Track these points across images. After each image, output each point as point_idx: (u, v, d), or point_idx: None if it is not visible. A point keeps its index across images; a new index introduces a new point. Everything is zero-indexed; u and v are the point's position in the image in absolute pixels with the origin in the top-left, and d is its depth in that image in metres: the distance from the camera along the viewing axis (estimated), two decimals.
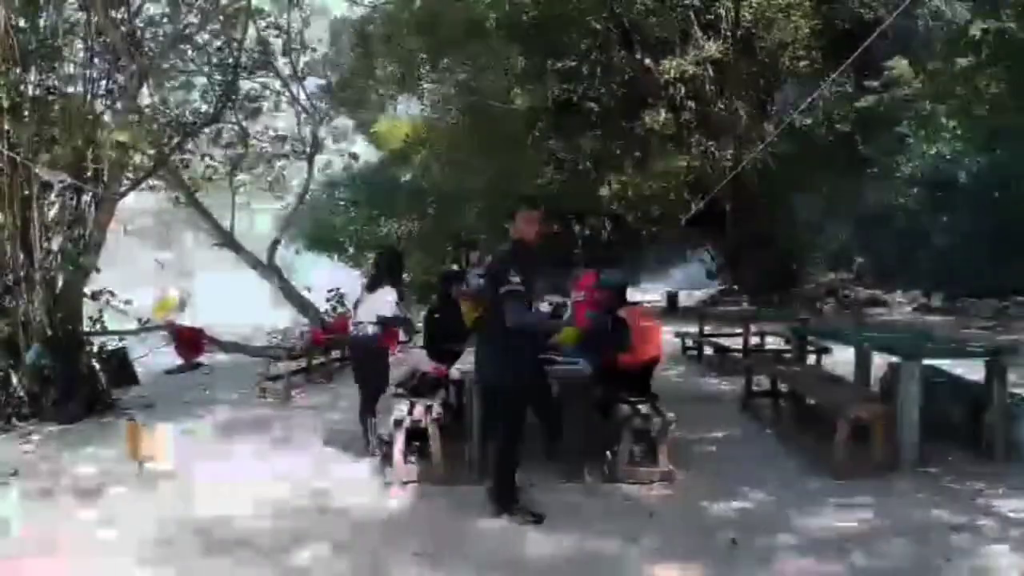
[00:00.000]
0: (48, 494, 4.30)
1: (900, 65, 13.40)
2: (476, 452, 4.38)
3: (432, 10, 12.39)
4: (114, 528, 3.76)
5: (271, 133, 11.28)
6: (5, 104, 6.04)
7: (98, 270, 6.95)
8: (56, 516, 3.96)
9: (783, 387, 6.02)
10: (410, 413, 4.49)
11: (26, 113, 6.18)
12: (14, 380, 6.13)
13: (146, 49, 7.44)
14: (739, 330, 8.90)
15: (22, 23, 6.40)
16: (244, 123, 10.30)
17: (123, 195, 7.54)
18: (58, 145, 6.30)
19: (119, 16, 6.93)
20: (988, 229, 14.51)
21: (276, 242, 12.00)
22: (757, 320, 9.48)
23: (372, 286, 5.11)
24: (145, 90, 8.01)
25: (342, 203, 21.15)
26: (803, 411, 5.65)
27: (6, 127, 6.06)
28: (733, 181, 13.24)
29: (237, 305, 12.43)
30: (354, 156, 13.21)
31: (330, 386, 8.01)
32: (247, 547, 3.49)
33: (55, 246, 6.63)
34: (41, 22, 6.54)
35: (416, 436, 4.47)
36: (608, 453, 4.44)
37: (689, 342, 9.65)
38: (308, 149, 11.88)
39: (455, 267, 6.79)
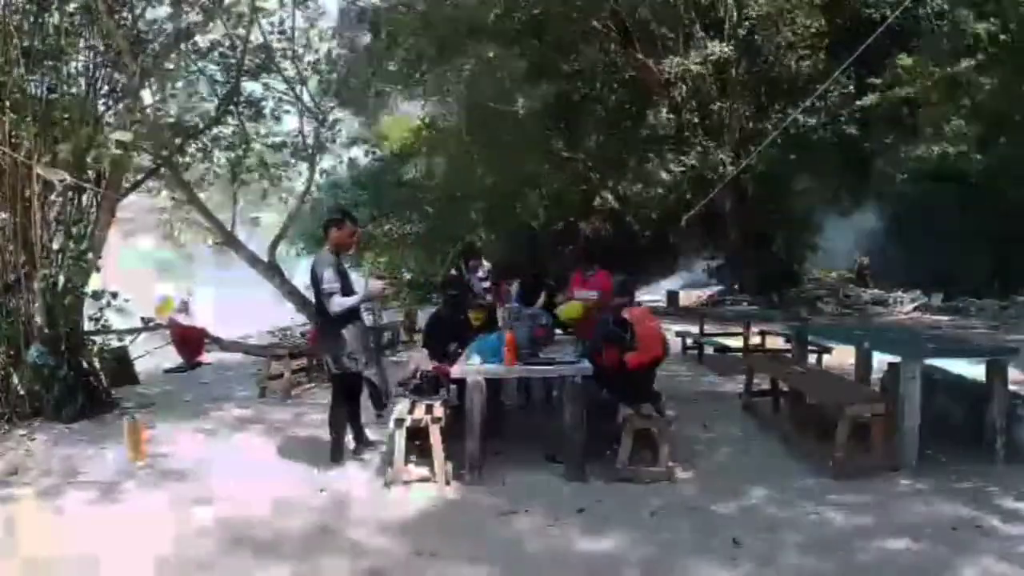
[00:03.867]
0: (49, 494, 4.30)
1: (904, 62, 13.39)
2: (476, 451, 4.37)
3: (434, 10, 12.39)
4: (116, 527, 3.77)
5: (273, 138, 11.26)
6: (7, 104, 6.06)
7: (98, 269, 6.96)
8: (57, 515, 3.97)
9: (783, 387, 6.02)
10: (410, 412, 4.49)
11: (28, 113, 6.18)
12: (15, 379, 6.13)
13: (148, 49, 7.43)
14: (739, 329, 8.91)
15: (25, 24, 6.40)
16: (246, 125, 10.28)
17: (124, 195, 7.54)
18: (60, 145, 6.30)
19: (122, 17, 6.93)
20: (989, 229, 14.52)
21: (276, 241, 12.00)
22: (757, 320, 9.50)
23: None
24: (147, 91, 8.02)
25: (344, 203, 21.16)
26: (803, 411, 5.65)
27: (8, 127, 6.07)
28: (734, 181, 13.26)
29: (237, 305, 12.44)
30: (367, 152, 13.11)
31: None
32: (247, 547, 3.50)
33: (56, 245, 6.64)
34: (44, 22, 6.53)
35: (416, 435, 4.47)
36: (609, 452, 4.44)
37: (690, 341, 9.65)
38: (310, 150, 11.87)
39: (454, 271, 6.95)
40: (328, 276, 4.46)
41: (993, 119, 13.36)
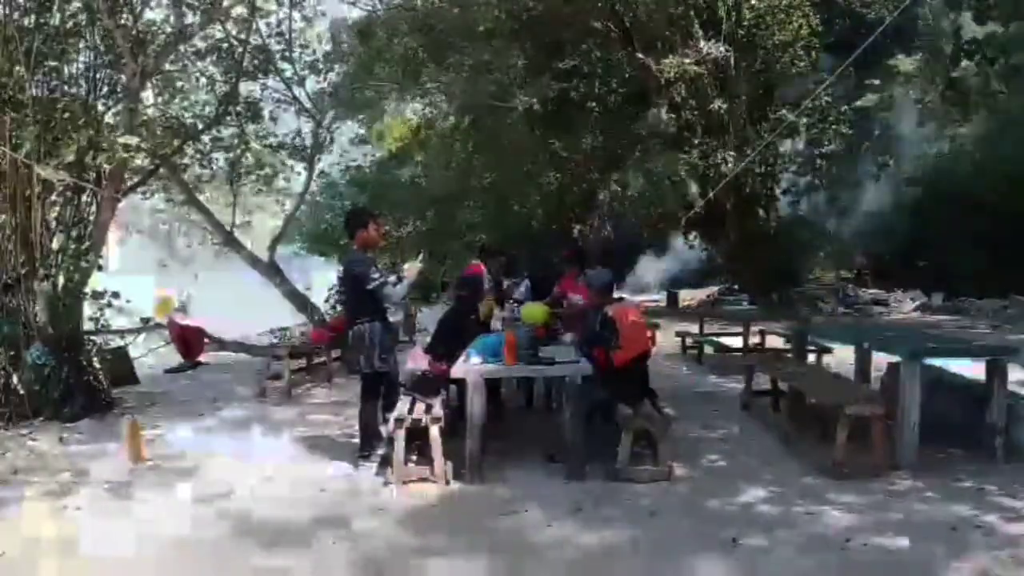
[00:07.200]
0: (49, 494, 4.30)
1: (902, 63, 13.42)
2: (476, 451, 4.37)
3: (432, 11, 12.39)
4: (119, 526, 3.77)
5: (272, 139, 11.27)
6: (8, 104, 6.07)
7: (100, 268, 6.97)
8: (58, 515, 3.97)
9: (783, 386, 6.02)
10: (410, 412, 4.50)
11: (29, 113, 6.18)
12: (15, 379, 6.14)
13: (148, 50, 7.44)
14: (739, 329, 8.91)
15: (26, 23, 6.41)
16: (245, 126, 10.29)
17: (125, 195, 7.55)
18: (60, 144, 6.30)
19: (123, 18, 6.94)
20: (989, 229, 14.52)
21: (276, 241, 12.03)
22: (757, 319, 9.50)
23: None
24: (148, 92, 8.03)
25: (341, 204, 21.12)
26: (803, 410, 5.65)
27: (9, 127, 6.07)
28: (734, 180, 13.25)
29: (238, 305, 12.45)
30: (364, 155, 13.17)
31: (330, 385, 8.02)
32: (248, 545, 3.50)
33: (56, 245, 6.65)
34: (45, 23, 6.54)
35: (416, 435, 4.47)
36: (609, 452, 4.44)
37: (689, 341, 9.65)
38: (308, 150, 11.90)
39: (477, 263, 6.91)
40: (372, 273, 4.62)
41: (992, 119, 13.38)
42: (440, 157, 18.29)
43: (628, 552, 3.38)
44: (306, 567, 3.28)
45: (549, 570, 3.24)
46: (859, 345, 6.00)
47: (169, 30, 7.87)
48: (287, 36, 10.66)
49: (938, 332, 9.08)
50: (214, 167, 10.61)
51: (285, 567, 3.29)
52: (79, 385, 6.36)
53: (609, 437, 4.47)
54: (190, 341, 9.48)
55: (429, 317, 11.15)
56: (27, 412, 6.04)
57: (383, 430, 4.79)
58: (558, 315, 5.90)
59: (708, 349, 9.25)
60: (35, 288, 6.33)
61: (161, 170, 9.30)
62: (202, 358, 9.61)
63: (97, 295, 7.01)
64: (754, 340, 8.78)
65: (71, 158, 6.23)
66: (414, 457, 4.52)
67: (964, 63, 12.22)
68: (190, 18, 7.88)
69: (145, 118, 7.28)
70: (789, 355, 7.28)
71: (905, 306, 15.34)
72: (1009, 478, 4.21)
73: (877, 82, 14.11)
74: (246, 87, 10.26)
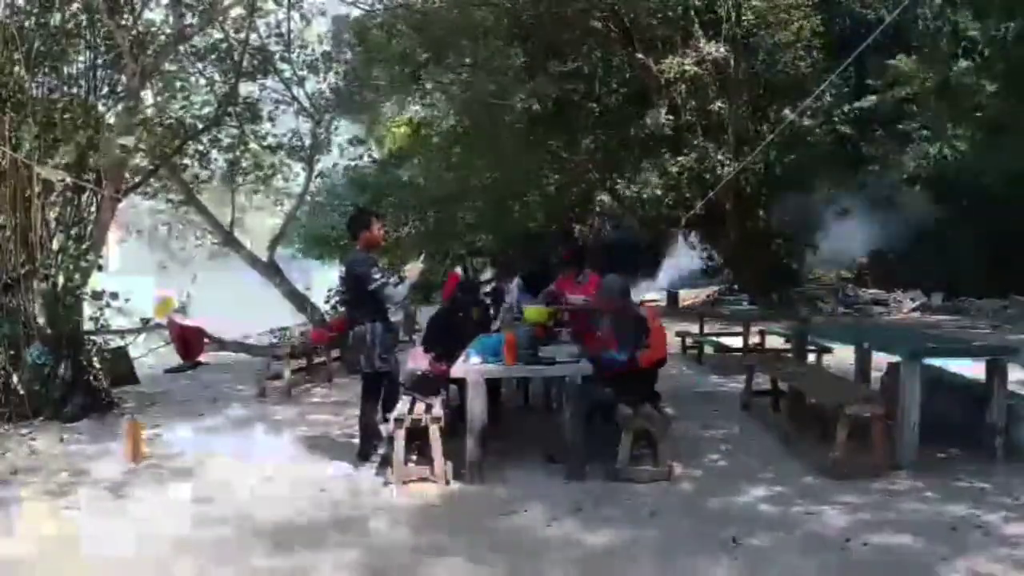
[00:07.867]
0: (49, 494, 4.30)
1: (903, 62, 13.40)
2: (476, 451, 4.37)
3: (432, 11, 12.39)
4: (120, 526, 3.77)
5: (270, 139, 11.27)
6: (8, 104, 6.07)
7: (100, 268, 6.96)
8: (58, 515, 3.97)
9: (783, 386, 6.02)
10: (410, 412, 4.50)
11: (29, 113, 6.19)
12: (14, 379, 6.13)
13: (148, 50, 7.44)
14: (739, 329, 8.91)
15: (26, 24, 6.41)
16: (244, 127, 10.30)
17: (124, 195, 7.55)
18: (60, 144, 6.30)
19: (123, 18, 6.94)
20: (989, 229, 14.52)
21: (276, 241, 12.03)
22: (757, 319, 9.50)
23: None
24: (148, 92, 8.04)
25: (341, 205, 21.08)
26: (803, 410, 5.65)
27: (8, 127, 6.08)
28: (733, 181, 13.25)
29: (237, 305, 12.45)
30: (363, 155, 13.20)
31: (330, 385, 8.02)
32: (248, 545, 3.50)
33: (56, 245, 6.65)
34: (45, 23, 6.55)
35: (416, 435, 4.47)
36: (609, 452, 4.45)
37: (690, 341, 9.65)
38: (307, 151, 11.89)
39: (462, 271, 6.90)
40: (374, 273, 4.64)
41: (992, 120, 13.37)
42: (440, 158, 18.27)
43: (628, 552, 3.38)
44: (306, 567, 3.28)
45: (549, 570, 3.24)
46: (859, 345, 6.00)
47: (169, 31, 7.87)
48: (286, 36, 10.66)
49: (938, 332, 9.08)
50: (213, 167, 10.62)
51: (285, 567, 3.29)
52: (79, 385, 6.36)
53: (609, 437, 4.48)
54: (190, 341, 9.46)
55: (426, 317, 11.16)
56: (27, 412, 6.04)
57: (383, 430, 4.79)
58: (555, 314, 5.89)
59: (708, 349, 9.25)
60: (35, 288, 6.33)
61: (161, 170, 9.31)
62: (202, 358, 9.60)
63: (97, 295, 7.00)
64: (754, 340, 8.78)
65: (67, 158, 6.23)
66: (414, 457, 4.52)
67: (961, 63, 12.24)
68: (189, 18, 7.89)
69: (142, 117, 7.27)
70: (789, 355, 7.28)
71: (905, 306, 15.34)
72: (1009, 478, 4.21)
73: (877, 82, 14.11)
74: (245, 87, 10.27)
